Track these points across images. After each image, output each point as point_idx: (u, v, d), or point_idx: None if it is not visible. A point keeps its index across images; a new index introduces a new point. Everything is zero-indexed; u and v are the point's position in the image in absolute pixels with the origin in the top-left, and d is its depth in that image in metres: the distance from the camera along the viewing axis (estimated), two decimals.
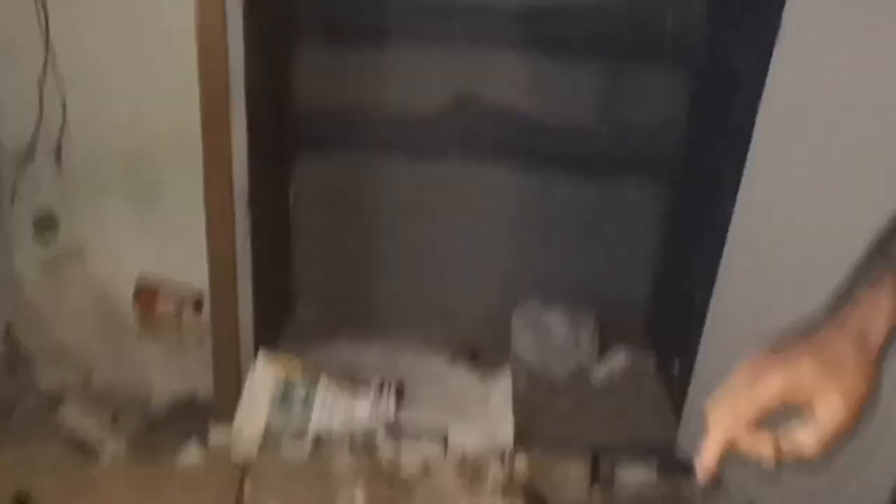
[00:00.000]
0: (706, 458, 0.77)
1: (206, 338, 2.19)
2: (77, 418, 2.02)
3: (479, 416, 2.16)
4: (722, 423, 0.76)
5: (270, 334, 2.33)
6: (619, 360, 2.43)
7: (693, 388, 2.11)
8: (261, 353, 2.01)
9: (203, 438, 2.06)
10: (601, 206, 2.58)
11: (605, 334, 2.48)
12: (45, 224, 2.13)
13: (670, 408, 2.27)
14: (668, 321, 2.41)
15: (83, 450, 1.98)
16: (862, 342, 0.76)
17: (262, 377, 1.98)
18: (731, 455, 0.77)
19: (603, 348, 2.46)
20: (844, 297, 0.80)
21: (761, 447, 0.76)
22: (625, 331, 2.57)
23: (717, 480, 0.79)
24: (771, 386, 0.75)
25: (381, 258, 2.64)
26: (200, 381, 2.21)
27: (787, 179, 1.82)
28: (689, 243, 2.32)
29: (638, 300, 2.63)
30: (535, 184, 2.56)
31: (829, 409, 0.74)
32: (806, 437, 0.75)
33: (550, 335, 2.40)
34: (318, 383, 2.01)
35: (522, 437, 2.16)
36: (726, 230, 1.97)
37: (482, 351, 2.45)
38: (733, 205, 1.94)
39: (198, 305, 2.42)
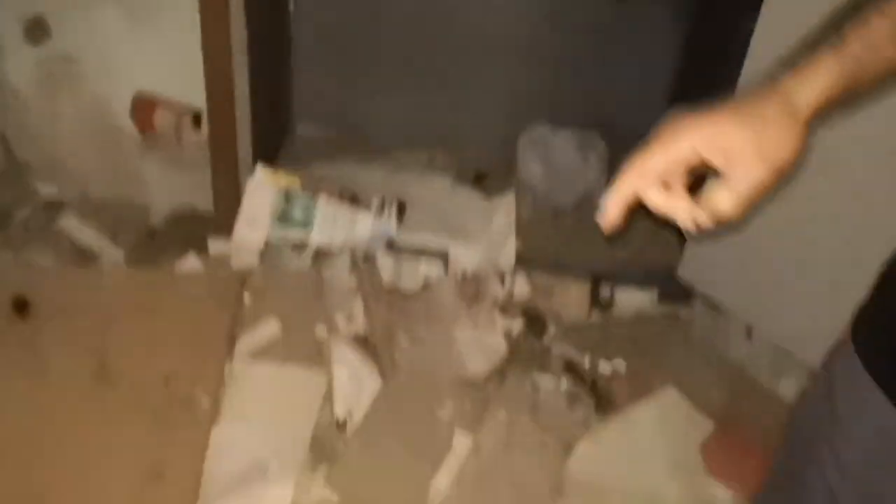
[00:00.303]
0: (608, 207, 0.77)
1: (204, 153, 2.15)
2: (76, 227, 2.00)
3: (481, 237, 2.14)
4: (630, 175, 0.76)
5: (270, 152, 2.29)
6: None
7: None
8: (259, 166, 1.97)
9: (203, 251, 2.06)
10: (616, 26, 2.45)
11: (614, 160, 2.42)
12: (36, 30, 2.05)
13: (675, 235, 2.24)
14: None
15: (82, 257, 1.98)
16: (790, 104, 0.74)
17: (262, 189, 1.95)
18: (637, 207, 0.77)
19: (611, 174, 2.40)
20: (786, 66, 0.77)
21: (673, 204, 0.76)
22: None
23: (619, 231, 0.79)
24: (684, 141, 0.74)
25: (385, 76, 2.54)
26: (200, 197, 2.18)
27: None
28: (706, 67, 2.23)
29: (650, 126, 2.55)
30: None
31: (746, 169, 0.73)
32: (721, 197, 0.74)
33: (557, 158, 2.34)
34: (319, 197, 1.98)
35: (524, 259, 2.15)
36: (744, 55, 1.89)
37: (487, 174, 2.40)
38: (753, 27, 1.85)
39: (196, 120, 2.37)
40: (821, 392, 1.05)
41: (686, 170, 0.76)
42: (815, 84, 0.74)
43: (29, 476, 1.53)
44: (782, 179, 0.74)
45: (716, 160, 0.74)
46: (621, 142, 2.42)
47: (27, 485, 1.52)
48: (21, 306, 1.81)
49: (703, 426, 1.88)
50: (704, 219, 0.75)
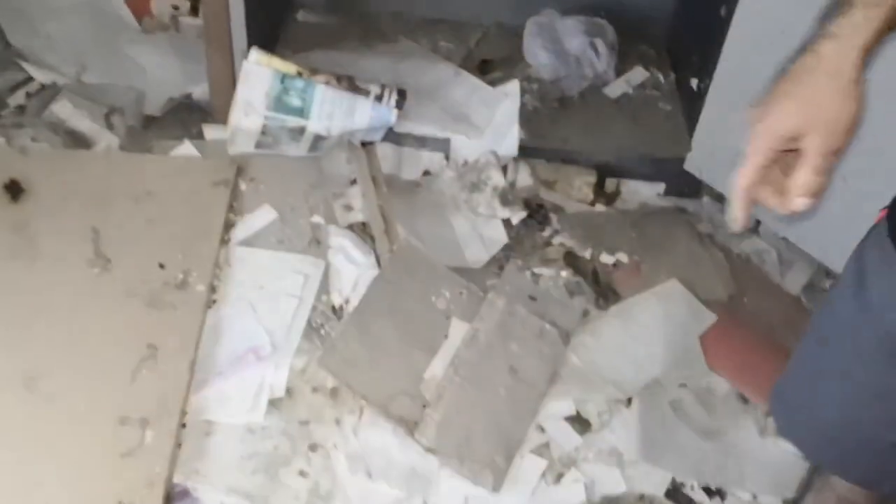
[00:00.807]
0: (737, 219, 0.88)
1: (201, 41, 2.09)
2: (70, 113, 1.96)
3: (484, 126, 2.08)
4: (741, 191, 0.86)
5: (268, 38, 2.21)
6: (635, 75, 2.31)
7: (708, 108, 2.01)
8: (253, 50, 1.90)
9: (199, 139, 2.01)
10: None
11: (623, 50, 2.33)
12: None
13: (684, 127, 2.17)
14: (688, 39, 2.25)
15: (77, 142, 1.95)
16: (837, 69, 0.81)
17: (257, 74, 1.88)
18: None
19: (620, 65, 2.32)
20: (830, 13, 0.84)
21: (772, 201, 0.86)
22: (644, 48, 2.42)
23: (749, 227, 0.86)
24: (763, 145, 0.84)
25: None
26: (198, 85, 2.13)
27: None
28: None
29: (660, 17, 2.45)
30: None
31: (817, 147, 0.82)
32: (801, 178, 0.83)
33: (565, 46, 2.25)
34: (317, 83, 1.91)
35: (528, 148, 2.09)
36: None
37: (493, 62, 2.32)
38: None
39: (194, 7, 2.32)
40: (851, 282, 1.07)
41: (778, 161, 0.86)
42: (856, 41, 0.81)
43: (22, 359, 1.53)
44: (853, 137, 0.83)
45: (791, 148, 0.84)
46: (630, 29, 2.36)
47: (19, 368, 1.52)
48: (14, 190, 1.79)
49: (706, 319, 1.86)
50: (799, 204, 0.84)
